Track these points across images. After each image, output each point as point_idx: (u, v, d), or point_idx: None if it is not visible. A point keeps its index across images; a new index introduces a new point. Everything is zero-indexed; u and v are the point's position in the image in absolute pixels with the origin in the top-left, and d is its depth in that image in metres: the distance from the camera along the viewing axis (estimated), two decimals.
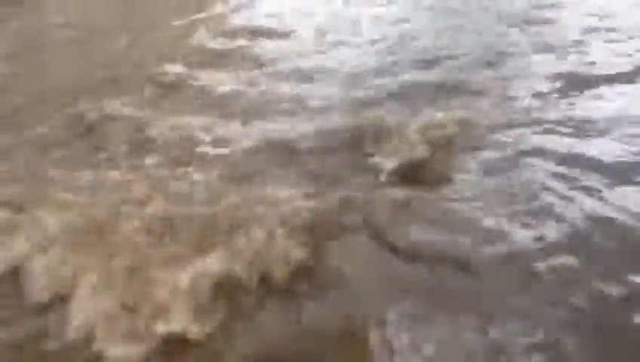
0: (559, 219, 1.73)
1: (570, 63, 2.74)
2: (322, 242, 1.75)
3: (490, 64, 2.81)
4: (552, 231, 1.66)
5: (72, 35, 5.07)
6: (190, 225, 1.85)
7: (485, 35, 3.30)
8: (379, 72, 2.94)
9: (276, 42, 3.73)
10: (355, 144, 2.25)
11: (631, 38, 2.94)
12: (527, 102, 2.43)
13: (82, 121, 2.82)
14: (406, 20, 3.82)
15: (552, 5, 3.72)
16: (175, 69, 3.48)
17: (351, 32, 3.75)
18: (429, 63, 2.94)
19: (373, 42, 3.39)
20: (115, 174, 2.26)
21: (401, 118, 2.34)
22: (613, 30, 3.08)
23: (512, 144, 2.14)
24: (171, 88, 3.20)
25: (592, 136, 2.12)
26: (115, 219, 1.88)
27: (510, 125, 2.28)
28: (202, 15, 5.25)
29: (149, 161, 2.36)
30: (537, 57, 2.92)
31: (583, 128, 2.17)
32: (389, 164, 2.06)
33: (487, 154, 2.09)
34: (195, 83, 3.23)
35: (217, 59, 3.58)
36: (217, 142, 2.44)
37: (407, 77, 2.81)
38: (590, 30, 3.15)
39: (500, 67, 2.82)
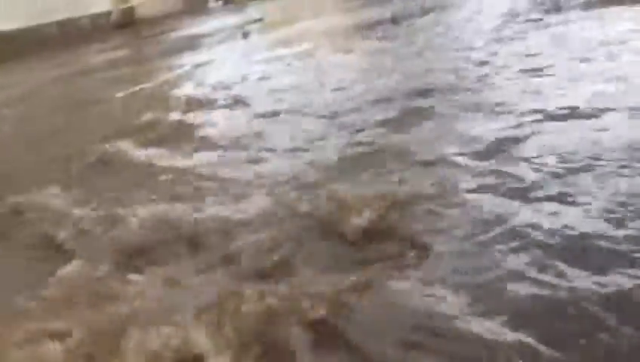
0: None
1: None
2: None
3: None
4: None
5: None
6: None
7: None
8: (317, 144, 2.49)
9: (222, 113, 3.27)
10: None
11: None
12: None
13: None
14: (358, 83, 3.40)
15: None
16: (114, 146, 3.03)
17: (303, 102, 3.32)
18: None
19: (325, 109, 2.96)
20: None
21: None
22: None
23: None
24: (109, 167, 2.75)
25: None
26: None
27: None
28: (148, 85, 4.86)
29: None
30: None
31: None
32: None
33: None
34: (135, 161, 2.77)
35: (161, 135, 3.13)
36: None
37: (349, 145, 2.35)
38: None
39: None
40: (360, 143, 2.34)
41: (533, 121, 2.20)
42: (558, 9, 4.22)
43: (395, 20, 5.81)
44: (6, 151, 3.63)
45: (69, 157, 2.99)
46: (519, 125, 2.18)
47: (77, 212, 2.25)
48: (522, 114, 2.29)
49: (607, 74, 2.52)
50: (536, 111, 2.30)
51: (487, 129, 2.21)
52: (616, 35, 3.13)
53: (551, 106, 2.31)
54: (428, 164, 2.04)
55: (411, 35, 4.75)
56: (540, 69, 2.82)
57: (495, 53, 3.29)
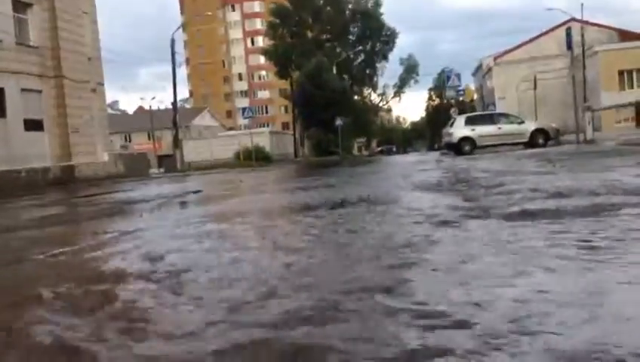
0: None
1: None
2: None
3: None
4: None
5: None
6: None
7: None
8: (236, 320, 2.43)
9: (143, 286, 3.17)
10: None
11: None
12: None
13: None
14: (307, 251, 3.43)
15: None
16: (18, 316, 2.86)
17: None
18: None
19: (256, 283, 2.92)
20: None
21: None
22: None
23: None
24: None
25: None
26: None
27: None
28: (69, 248, 4.77)
29: None
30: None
31: None
32: None
33: None
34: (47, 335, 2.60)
35: (70, 305, 3.00)
36: None
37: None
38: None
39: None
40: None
41: None
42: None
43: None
44: None
45: None
46: None
47: None
48: None
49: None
50: None
51: None
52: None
53: None
54: None
55: (337, 227, 4.91)
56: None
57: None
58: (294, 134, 55.60)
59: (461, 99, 45.41)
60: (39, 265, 4.17)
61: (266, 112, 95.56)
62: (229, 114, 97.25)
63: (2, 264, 4.42)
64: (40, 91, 24.66)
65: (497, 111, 35.05)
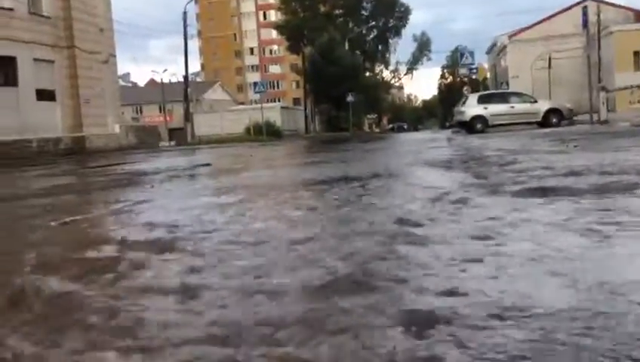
0: None
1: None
2: None
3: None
4: None
5: None
6: None
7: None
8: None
9: (156, 256, 3.18)
10: None
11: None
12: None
13: None
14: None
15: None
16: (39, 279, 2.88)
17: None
18: None
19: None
20: None
21: None
22: None
23: None
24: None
25: None
26: None
27: None
28: (82, 217, 4.80)
29: None
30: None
31: None
32: None
33: None
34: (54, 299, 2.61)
35: (89, 271, 3.01)
36: None
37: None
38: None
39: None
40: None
41: None
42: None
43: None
44: None
45: None
46: None
47: None
48: None
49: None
50: None
51: None
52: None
53: None
54: None
55: (361, 198, 4.91)
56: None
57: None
58: (305, 110, 55.44)
59: (474, 77, 44.96)
60: (53, 231, 4.20)
61: (278, 87, 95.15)
62: (240, 88, 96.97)
63: (16, 230, 4.46)
64: (52, 61, 24.68)
65: (511, 90, 34.76)
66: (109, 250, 3.29)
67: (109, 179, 9.46)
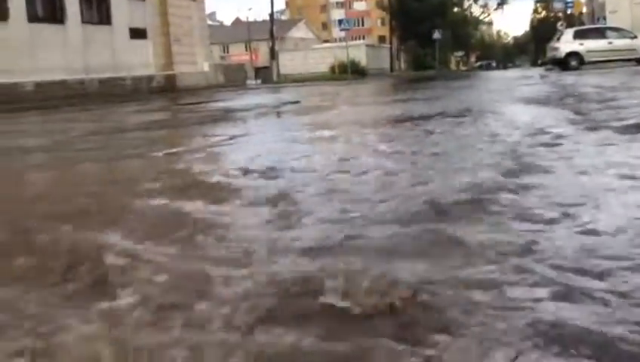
0: None
1: None
2: None
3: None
4: None
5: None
6: None
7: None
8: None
9: (257, 181, 3.25)
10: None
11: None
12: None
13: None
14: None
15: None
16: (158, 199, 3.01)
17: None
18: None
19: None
20: None
21: None
22: None
23: None
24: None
25: None
26: None
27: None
28: (184, 148, 4.99)
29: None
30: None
31: None
32: None
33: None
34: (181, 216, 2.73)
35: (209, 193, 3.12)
36: None
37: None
38: None
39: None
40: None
41: None
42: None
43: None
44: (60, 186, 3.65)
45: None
46: None
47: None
48: None
49: None
50: None
51: None
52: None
53: None
54: None
55: (442, 132, 4.85)
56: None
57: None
58: (390, 48, 54.39)
59: (569, 12, 42.62)
60: (159, 160, 4.40)
61: (362, 25, 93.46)
62: (325, 26, 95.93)
63: (124, 158, 4.69)
64: (144, 0, 25.19)
65: (608, 25, 32.73)
66: (229, 175, 3.39)
67: (203, 115, 9.73)
